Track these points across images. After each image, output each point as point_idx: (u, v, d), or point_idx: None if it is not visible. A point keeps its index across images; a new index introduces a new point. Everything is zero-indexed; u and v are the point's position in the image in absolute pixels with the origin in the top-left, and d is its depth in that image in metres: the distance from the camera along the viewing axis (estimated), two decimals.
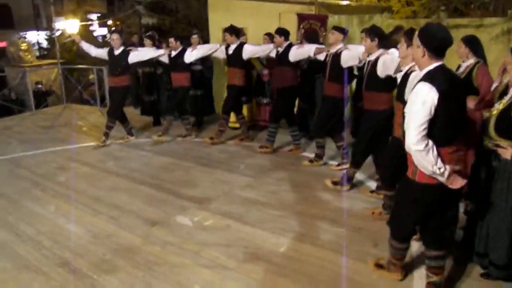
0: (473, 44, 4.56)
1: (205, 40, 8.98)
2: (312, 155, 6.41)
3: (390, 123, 4.33)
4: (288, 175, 5.90)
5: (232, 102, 7.20)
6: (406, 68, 3.83)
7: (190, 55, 7.24)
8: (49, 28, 21.32)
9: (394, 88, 4.38)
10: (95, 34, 25.23)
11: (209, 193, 5.36)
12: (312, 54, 6.13)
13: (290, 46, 6.38)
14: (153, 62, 8.11)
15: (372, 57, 4.78)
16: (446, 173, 2.76)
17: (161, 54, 7.36)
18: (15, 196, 5.45)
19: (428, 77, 2.73)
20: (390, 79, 4.49)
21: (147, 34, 9.01)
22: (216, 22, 8.96)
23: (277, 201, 5.07)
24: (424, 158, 2.72)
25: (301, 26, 7.48)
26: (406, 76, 3.79)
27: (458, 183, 2.81)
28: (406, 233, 3.32)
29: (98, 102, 10.73)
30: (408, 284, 3.50)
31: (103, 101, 10.77)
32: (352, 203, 4.94)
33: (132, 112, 9.89)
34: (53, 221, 4.74)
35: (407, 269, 3.62)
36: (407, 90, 3.64)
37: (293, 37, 7.35)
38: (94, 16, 25.09)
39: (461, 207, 3.45)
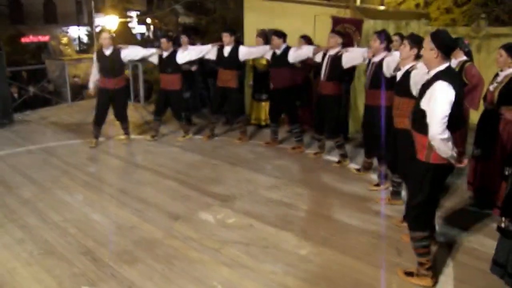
0: None
1: (238, 41, 8.99)
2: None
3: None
4: (316, 178, 5.83)
5: (238, 104, 7.36)
6: (407, 67, 4.24)
7: (182, 56, 7.16)
8: (90, 23, 21.84)
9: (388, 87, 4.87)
10: (134, 31, 25.71)
11: (234, 191, 5.35)
12: (311, 55, 6.38)
13: (288, 48, 6.62)
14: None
15: (377, 59, 5.14)
16: (456, 155, 3.23)
17: (153, 53, 7.22)
18: (46, 184, 5.57)
19: (444, 76, 3.13)
20: (393, 79, 4.79)
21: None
22: (251, 23, 8.95)
23: (302, 204, 5.01)
24: (446, 144, 3.12)
25: (336, 30, 7.38)
26: (407, 74, 4.21)
27: (465, 162, 3.35)
28: (426, 218, 3.45)
29: (132, 97, 10.88)
30: None
31: (136, 96, 10.92)
32: (378, 211, 4.83)
33: None
34: (80, 210, 4.82)
35: (437, 276, 3.53)
36: (412, 85, 4.11)
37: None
38: (133, 13, 25.54)
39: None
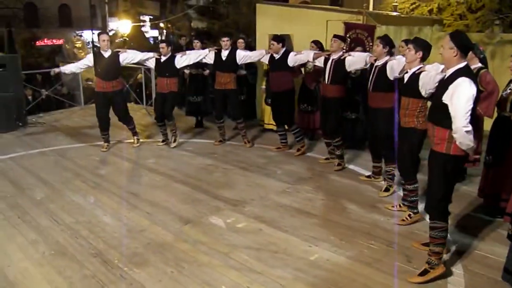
0: None
1: (250, 46, 9.03)
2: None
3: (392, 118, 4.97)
4: (326, 183, 5.83)
5: (239, 107, 7.54)
6: (414, 69, 4.38)
7: (181, 61, 7.23)
8: (104, 27, 22.05)
9: (395, 89, 5.04)
10: (147, 35, 25.90)
11: (244, 196, 5.37)
12: (311, 59, 6.55)
13: (287, 52, 6.79)
14: (201, 64, 8.03)
15: (380, 62, 5.24)
16: (475, 146, 3.50)
17: (150, 57, 7.26)
18: (58, 185, 5.64)
19: (465, 74, 3.33)
20: (394, 82, 5.03)
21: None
22: (264, 28, 8.99)
23: (312, 209, 5.01)
24: (469, 136, 3.29)
25: (348, 35, 7.39)
26: (415, 76, 4.33)
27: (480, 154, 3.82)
28: (446, 207, 3.59)
29: (144, 101, 10.97)
30: None
31: (149, 101, 11.00)
32: (389, 217, 4.81)
33: (176, 113, 10.05)
34: (91, 212, 4.87)
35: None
36: (421, 86, 4.23)
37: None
38: (146, 18, 25.75)
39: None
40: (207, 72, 8.41)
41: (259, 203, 5.17)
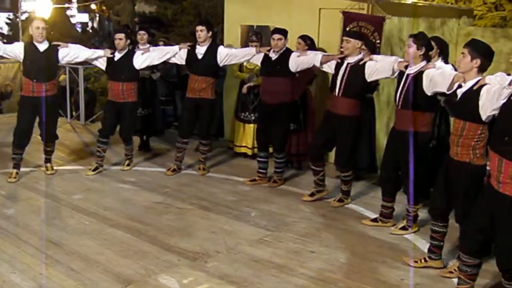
0: None
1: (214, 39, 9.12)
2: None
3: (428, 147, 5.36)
4: (317, 229, 5.88)
5: (211, 124, 7.68)
6: (471, 82, 4.32)
7: (141, 60, 7.27)
8: (14, 9, 21.89)
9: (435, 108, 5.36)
10: (73, 20, 25.83)
11: (207, 246, 5.37)
12: (318, 64, 6.55)
13: (287, 51, 6.83)
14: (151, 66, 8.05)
15: (413, 70, 5.35)
16: None
17: (101, 56, 7.31)
18: None
19: None
20: (434, 97, 5.21)
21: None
22: (234, 16, 9.10)
23: (301, 266, 5.02)
24: None
25: (347, 29, 7.55)
26: (472, 92, 4.25)
27: None
28: None
29: (69, 113, 10.88)
30: None
31: (74, 112, 10.92)
32: (404, 278, 4.86)
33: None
34: None
35: None
36: (484, 105, 4.12)
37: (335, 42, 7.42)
38: None
39: None
40: (157, 75, 8.41)
41: (227, 256, 5.18)
